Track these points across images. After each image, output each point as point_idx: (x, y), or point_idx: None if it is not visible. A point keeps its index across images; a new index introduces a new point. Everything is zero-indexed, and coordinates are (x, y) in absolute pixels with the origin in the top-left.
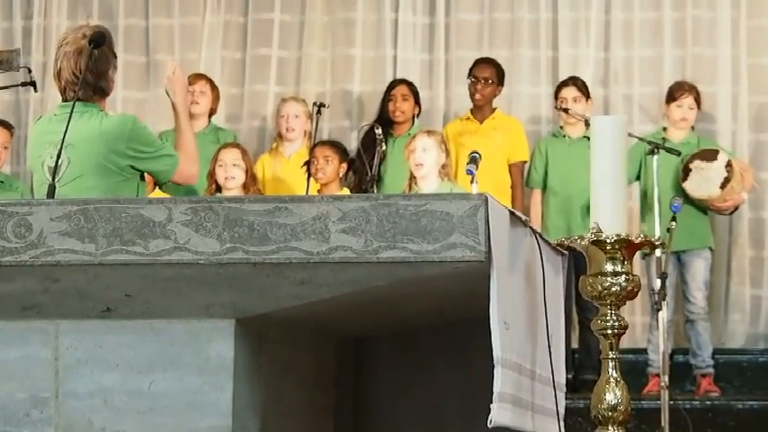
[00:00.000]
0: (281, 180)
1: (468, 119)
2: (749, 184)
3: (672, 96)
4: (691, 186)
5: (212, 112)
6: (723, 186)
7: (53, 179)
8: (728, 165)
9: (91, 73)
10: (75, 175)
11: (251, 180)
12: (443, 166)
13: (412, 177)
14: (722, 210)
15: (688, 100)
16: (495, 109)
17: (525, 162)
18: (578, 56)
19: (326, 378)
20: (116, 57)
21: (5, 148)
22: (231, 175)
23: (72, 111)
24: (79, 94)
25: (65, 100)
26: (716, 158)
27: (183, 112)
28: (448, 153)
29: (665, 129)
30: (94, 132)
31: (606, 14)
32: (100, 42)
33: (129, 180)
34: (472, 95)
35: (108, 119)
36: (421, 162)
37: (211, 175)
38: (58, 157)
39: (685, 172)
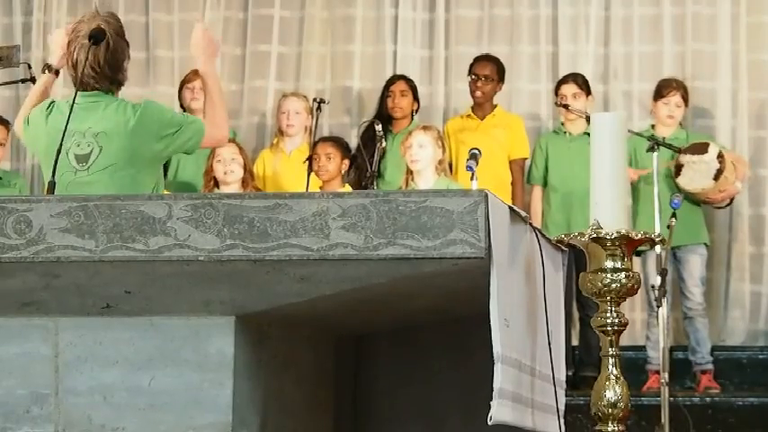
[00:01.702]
0: (281, 176)
1: (469, 116)
2: (742, 173)
3: (659, 93)
4: (684, 181)
5: None
6: (716, 178)
7: (54, 171)
8: (720, 156)
9: (109, 66)
10: (107, 164)
11: (249, 176)
12: (440, 162)
13: (408, 173)
14: (717, 202)
15: (675, 98)
16: (495, 106)
17: (526, 159)
18: (578, 52)
19: (326, 375)
20: (128, 46)
21: (1, 144)
22: (230, 169)
23: (73, 100)
24: (98, 84)
25: (80, 88)
26: (706, 151)
27: (210, 75)
28: (444, 149)
29: (653, 126)
30: (130, 122)
31: (606, 11)
32: (99, 39)
33: (155, 167)
34: (473, 93)
35: (139, 108)
36: (417, 158)
37: (208, 172)
38: (60, 150)
39: (677, 168)
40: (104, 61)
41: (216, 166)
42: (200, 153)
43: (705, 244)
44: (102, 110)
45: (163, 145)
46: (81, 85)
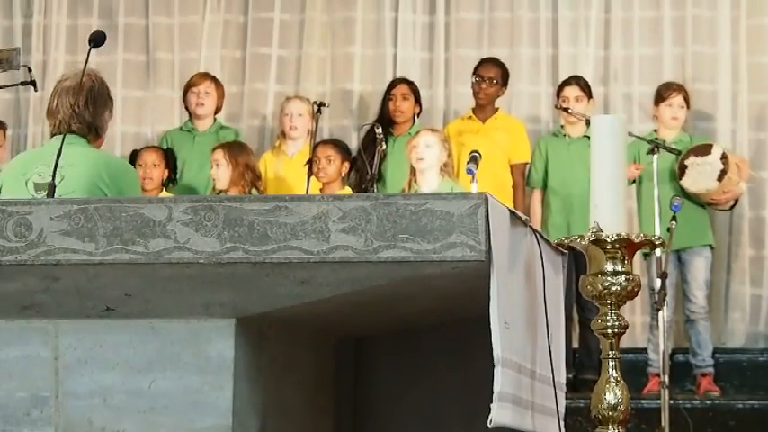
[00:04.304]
0: (283, 179)
1: (470, 118)
2: (746, 174)
3: (660, 97)
4: (688, 182)
5: (217, 110)
6: (720, 179)
7: (54, 173)
8: (724, 157)
9: (88, 111)
10: (65, 192)
11: (239, 176)
12: (445, 165)
13: (412, 174)
14: (722, 203)
15: (677, 99)
16: (497, 109)
17: (526, 163)
18: (578, 55)
19: (326, 377)
20: (113, 102)
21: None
22: (216, 176)
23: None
24: (75, 126)
25: (57, 134)
26: (710, 152)
27: None
28: (450, 152)
29: (655, 130)
30: (100, 161)
31: (606, 13)
32: (99, 42)
33: None
34: (476, 94)
35: (116, 159)
36: (423, 157)
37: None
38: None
39: (681, 169)
40: (84, 104)
41: (212, 171)
42: (206, 154)
43: (710, 246)
44: (78, 147)
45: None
46: (57, 129)
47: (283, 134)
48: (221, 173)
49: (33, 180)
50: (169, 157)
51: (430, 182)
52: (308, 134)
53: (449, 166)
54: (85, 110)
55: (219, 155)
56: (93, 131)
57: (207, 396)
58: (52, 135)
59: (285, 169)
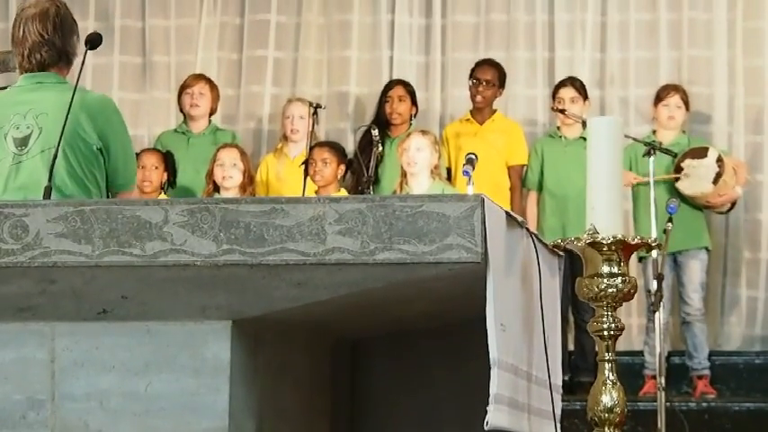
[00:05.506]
0: (284, 181)
1: (468, 120)
2: (743, 178)
3: (658, 97)
4: (683, 185)
5: (212, 112)
6: (715, 182)
7: (50, 176)
8: (719, 160)
9: (57, 36)
10: (46, 146)
11: (248, 181)
12: (435, 167)
13: (403, 176)
14: (717, 206)
15: (674, 99)
16: (495, 111)
17: (524, 165)
18: (574, 57)
19: (323, 380)
20: (77, 27)
21: None
22: (229, 174)
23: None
24: (46, 54)
25: (28, 68)
26: (706, 155)
27: None
28: (440, 154)
29: (654, 132)
30: (75, 104)
31: (602, 16)
32: (96, 44)
33: (99, 163)
34: (473, 97)
35: (90, 93)
36: (415, 161)
37: (210, 174)
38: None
39: (677, 172)
40: (53, 30)
41: (216, 170)
42: (200, 156)
43: (706, 248)
44: (47, 90)
45: (103, 140)
46: (28, 59)
47: (285, 137)
48: (236, 173)
49: (12, 134)
50: (169, 160)
51: (421, 184)
52: (309, 136)
53: (439, 168)
54: (55, 35)
55: (236, 155)
56: (64, 58)
57: (203, 398)
58: (21, 69)
59: (287, 171)
